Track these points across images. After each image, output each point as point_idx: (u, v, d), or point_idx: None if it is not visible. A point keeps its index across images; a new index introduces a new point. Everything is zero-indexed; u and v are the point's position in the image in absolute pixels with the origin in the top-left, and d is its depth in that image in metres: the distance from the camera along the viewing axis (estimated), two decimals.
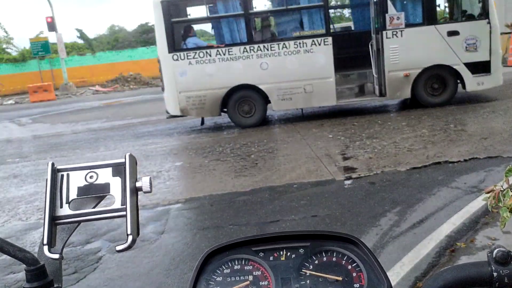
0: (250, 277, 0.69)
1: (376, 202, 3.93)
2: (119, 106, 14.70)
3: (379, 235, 3.26)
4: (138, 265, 3.19)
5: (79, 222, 0.63)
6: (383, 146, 5.71)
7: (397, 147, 5.61)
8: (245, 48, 7.62)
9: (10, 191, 5.52)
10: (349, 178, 4.64)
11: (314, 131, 7.11)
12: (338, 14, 23.58)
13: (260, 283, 0.68)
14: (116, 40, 34.26)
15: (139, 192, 0.65)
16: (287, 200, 4.22)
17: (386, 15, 7.42)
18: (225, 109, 8.01)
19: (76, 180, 0.64)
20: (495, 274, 0.56)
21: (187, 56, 7.66)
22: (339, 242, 0.73)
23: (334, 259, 0.71)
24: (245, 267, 0.71)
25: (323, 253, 0.71)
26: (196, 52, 7.66)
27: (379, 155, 5.32)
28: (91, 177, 0.64)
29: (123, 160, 0.64)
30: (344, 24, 16.85)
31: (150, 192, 0.64)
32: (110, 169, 0.64)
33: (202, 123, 8.67)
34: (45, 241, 0.59)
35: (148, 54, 28.83)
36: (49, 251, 0.59)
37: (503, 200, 0.73)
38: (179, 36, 7.93)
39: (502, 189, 0.74)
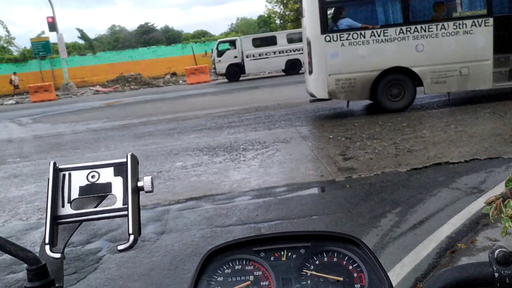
0: (251, 277, 0.69)
1: (377, 202, 3.93)
2: (119, 106, 14.71)
3: (379, 236, 3.25)
4: (138, 265, 3.19)
5: (80, 221, 0.63)
6: (384, 147, 5.71)
7: (397, 147, 5.61)
8: (401, 29, 7.43)
9: (10, 191, 5.53)
10: (350, 178, 4.64)
11: (315, 132, 7.11)
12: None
13: (261, 283, 0.68)
14: (117, 40, 34.32)
15: (140, 192, 0.64)
16: (287, 200, 4.21)
17: None
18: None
19: (78, 180, 0.63)
20: (496, 274, 0.56)
21: (340, 37, 7.47)
22: (340, 243, 0.73)
23: (335, 259, 0.71)
24: (246, 267, 0.71)
25: (324, 254, 0.71)
26: (349, 34, 7.47)
27: (380, 156, 5.32)
28: (92, 176, 0.64)
29: (124, 160, 0.64)
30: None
31: (151, 191, 0.64)
32: (111, 168, 0.64)
33: (348, 106, 8.55)
34: (46, 241, 0.59)
35: (149, 54, 28.91)
36: (51, 250, 0.59)
37: (505, 210, 0.73)
38: (331, 17, 7.75)
39: (503, 199, 0.74)
